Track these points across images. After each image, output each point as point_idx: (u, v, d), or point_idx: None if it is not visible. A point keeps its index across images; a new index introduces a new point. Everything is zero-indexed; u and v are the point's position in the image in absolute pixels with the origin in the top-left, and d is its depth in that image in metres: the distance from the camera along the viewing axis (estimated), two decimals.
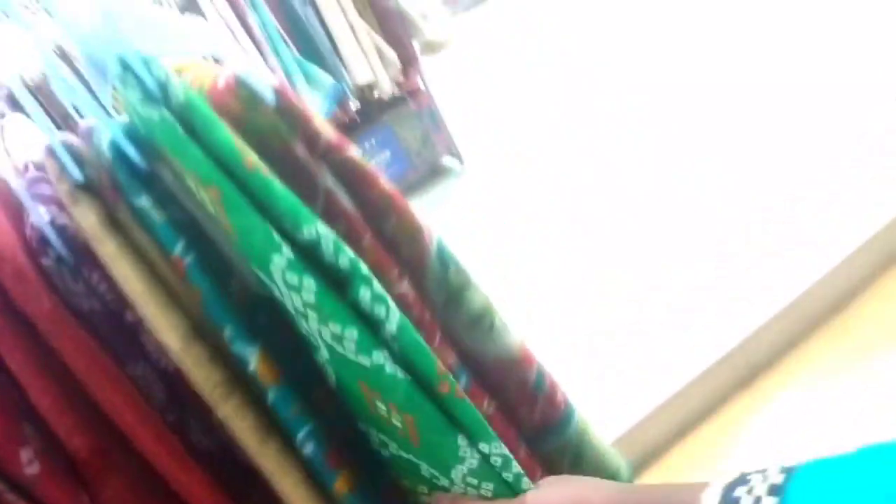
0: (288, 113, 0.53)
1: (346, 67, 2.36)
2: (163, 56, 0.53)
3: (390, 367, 0.52)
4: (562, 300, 1.91)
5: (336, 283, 0.50)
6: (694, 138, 2.29)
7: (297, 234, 0.49)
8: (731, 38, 2.81)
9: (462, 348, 0.59)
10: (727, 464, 1.44)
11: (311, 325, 0.51)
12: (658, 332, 1.66)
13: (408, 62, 2.50)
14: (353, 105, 2.40)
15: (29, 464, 0.54)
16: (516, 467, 0.57)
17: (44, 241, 0.55)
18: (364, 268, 0.51)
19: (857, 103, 2.05)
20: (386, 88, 2.44)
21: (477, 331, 0.60)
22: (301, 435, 0.57)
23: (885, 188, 1.71)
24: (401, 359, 0.52)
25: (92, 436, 0.55)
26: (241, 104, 0.51)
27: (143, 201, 0.54)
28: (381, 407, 0.54)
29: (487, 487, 0.57)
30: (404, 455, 0.59)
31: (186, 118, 0.50)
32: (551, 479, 0.58)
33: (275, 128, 0.52)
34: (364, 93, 2.42)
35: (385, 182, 0.56)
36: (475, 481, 0.57)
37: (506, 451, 0.56)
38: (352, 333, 0.50)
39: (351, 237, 0.52)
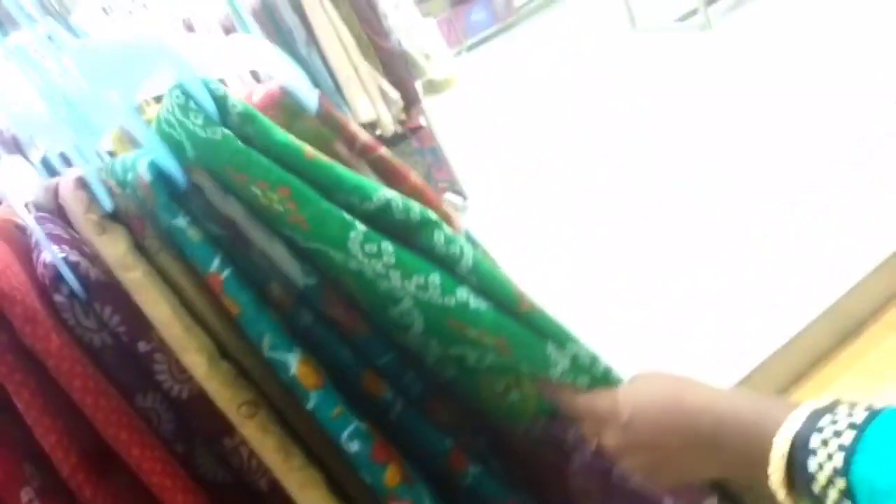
0: (328, 119, 0.63)
1: (348, 106, 2.40)
2: (209, 77, 0.57)
3: (474, 301, 0.58)
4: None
5: (409, 240, 0.57)
6: (697, 169, 2.30)
7: (368, 204, 0.56)
8: (732, 43, 2.85)
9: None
10: None
11: (395, 284, 0.57)
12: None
13: (410, 101, 2.54)
14: None
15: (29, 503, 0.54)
16: (604, 363, 0.63)
17: (57, 278, 0.56)
18: (434, 214, 0.59)
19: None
20: (388, 127, 2.47)
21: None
22: (345, 435, 0.58)
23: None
24: (481, 290, 0.59)
25: (95, 475, 0.55)
26: (286, 113, 0.58)
27: (180, 221, 0.57)
28: (473, 333, 0.60)
29: (583, 381, 0.63)
30: (505, 362, 0.63)
31: (244, 131, 0.55)
32: (646, 372, 0.57)
33: (318, 132, 0.59)
34: (366, 130, 2.45)
35: (415, 176, 0.65)
36: (571, 377, 0.63)
37: (591, 350, 0.63)
38: (434, 279, 0.57)
39: None
